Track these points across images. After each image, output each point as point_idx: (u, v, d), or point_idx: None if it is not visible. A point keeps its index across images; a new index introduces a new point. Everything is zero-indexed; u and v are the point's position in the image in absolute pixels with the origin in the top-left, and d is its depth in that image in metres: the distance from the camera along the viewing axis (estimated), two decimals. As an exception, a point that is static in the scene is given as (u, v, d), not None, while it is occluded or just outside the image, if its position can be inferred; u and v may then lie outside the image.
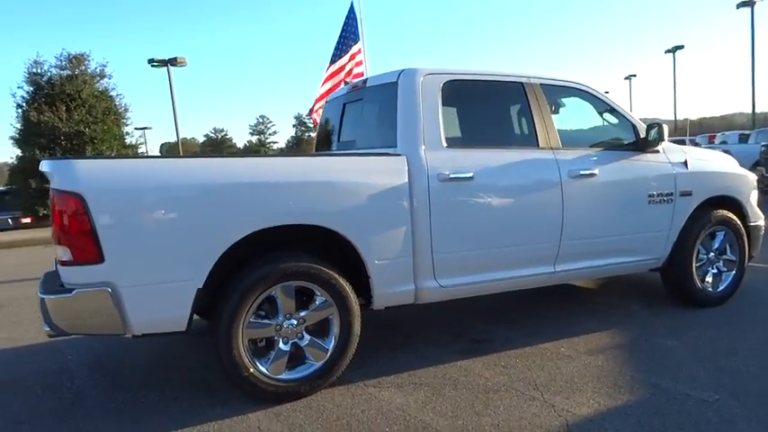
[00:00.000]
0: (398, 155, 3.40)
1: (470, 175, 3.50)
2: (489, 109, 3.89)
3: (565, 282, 4.23)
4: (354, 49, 18.88)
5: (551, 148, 3.86)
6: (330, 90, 16.94)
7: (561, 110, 4.38)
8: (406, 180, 3.32)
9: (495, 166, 3.62)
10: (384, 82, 3.76)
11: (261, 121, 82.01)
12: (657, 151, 4.28)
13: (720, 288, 4.63)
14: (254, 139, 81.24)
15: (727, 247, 4.67)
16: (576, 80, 4.19)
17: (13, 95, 16.71)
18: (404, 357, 3.74)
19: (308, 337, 3.18)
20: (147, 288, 2.77)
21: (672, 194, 4.26)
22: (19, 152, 16.72)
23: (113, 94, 18.03)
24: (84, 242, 2.63)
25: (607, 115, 4.34)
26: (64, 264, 2.68)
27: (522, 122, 3.95)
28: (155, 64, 25.58)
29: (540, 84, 3.98)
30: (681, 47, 36.07)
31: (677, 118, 37.31)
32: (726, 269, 4.67)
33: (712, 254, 4.61)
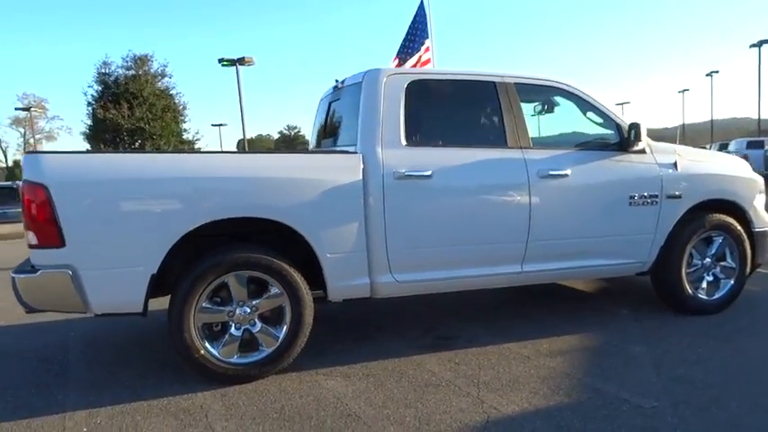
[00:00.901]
0: (354, 153, 3.52)
1: (429, 173, 3.57)
2: (455, 109, 3.93)
3: (536, 282, 4.19)
4: (423, 46, 19.08)
5: (521, 148, 3.84)
6: None
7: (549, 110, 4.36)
8: (360, 177, 3.44)
9: (455, 165, 3.66)
10: (354, 82, 3.89)
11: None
12: (644, 152, 4.15)
13: (717, 296, 4.42)
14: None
15: (727, 254, 4.45)
16: (557, 79, 4.14)
17: (85, 94, 18.19)
18: (365, 349, 3.86)
19: (259, 324, 3.37)
20: (105, 272, 3.05)
21: (657, 197, 4.12)
22: (88, 147, 18.13)
23: (173, 92, 19.09)
24: (47, 228, 2.94)
25: (592, 115, 4.25)
26: (31, 247, 3.00)
27: (491, 122, 3.96)
28: (224, 63, 26.86)
29: (515, 83, 3.96)
30: (767, 41, 33.54)
31: (761, 117, 34.64)
32: (724, 276, 4.46)
33: (708, 260, 4.41)
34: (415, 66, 18.74)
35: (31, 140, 41.05)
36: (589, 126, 4.22)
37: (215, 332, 3.34)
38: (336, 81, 4.28)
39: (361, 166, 3.46)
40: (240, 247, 3.33)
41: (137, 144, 16.71)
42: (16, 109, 33.72)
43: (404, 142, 3.60)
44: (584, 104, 4.21)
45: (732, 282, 4.45)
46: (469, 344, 3.91)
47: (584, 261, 4.07)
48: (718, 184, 4.34)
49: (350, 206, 3.42)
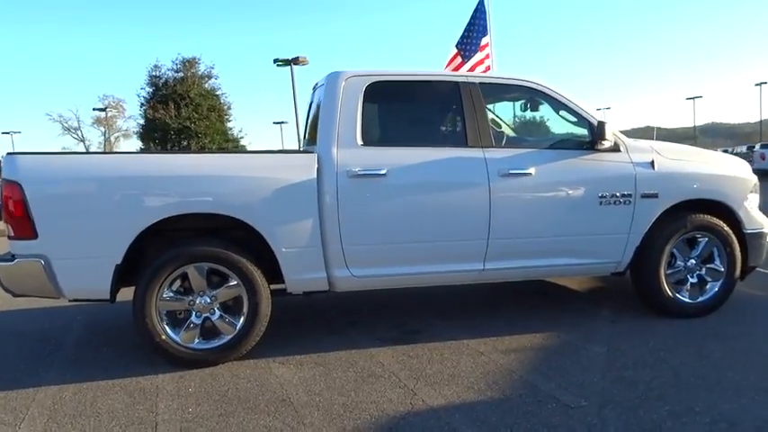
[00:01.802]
0: (310, 153, 3.67)
1: (383, 172, 3.67)
2: (416, 109, 4.01)
3: (502, 280, 4.20)
4: (483, 42, 19.08)
5: (482, 147, 3.87)
6: None
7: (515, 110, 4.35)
8: (314, 176, 3.59)
9: (411, 164, 3.74)
10: (320, 84, 4.04)
11: None
12: (618, 150, 4.07)
13: (701, 299, 4.27)
14: None
15: (714, 256, 4.29)
16: (526, 78, 4.12)
17: (138, 96, 19.35)
18: (330, 341, 4.01)
19: (218, 313, 3.59)
20: (74, 261, 3.36)
21: (630, 196, 4.03)
22: (141, 145, 19.24)
23: (218, 93, 19.93)
24: (21, 221, 3.27)
25: (564, 114, 4.20)
26: (9, 238, 3.35)
27: (452, 121, 4.01)
28: (279, 63, 27.71)
29: (480, 83, 3.99)
30: None
31: None
32: (710, 279, 4.30)
33: (692, 261, 4.26)
34: (474, 66, 18.84)
35: (111, 139, 43.76)
36: (569, 125, 4.18)
37: (179, 319, 3.59)
38: (315, 83, 4.44)
39: (316, 166, 3.60)
40: (200, 241, 3.56)
41: (184, 143, 17.66)
42: (94, 109, 36.11)
43: (360, 142, 3.71)
44: (556, 103, 4.17)
45: (719, 285, 4.28)
46: (432, 339, 3.98)
47: (551, 260, 4.04)
48: (701, 184, 4.18)
49: (303, 203, 3.58)
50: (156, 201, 3.38)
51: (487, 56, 20.36)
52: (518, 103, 4.66)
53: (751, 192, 4.32)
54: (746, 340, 3.74)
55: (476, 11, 17.51)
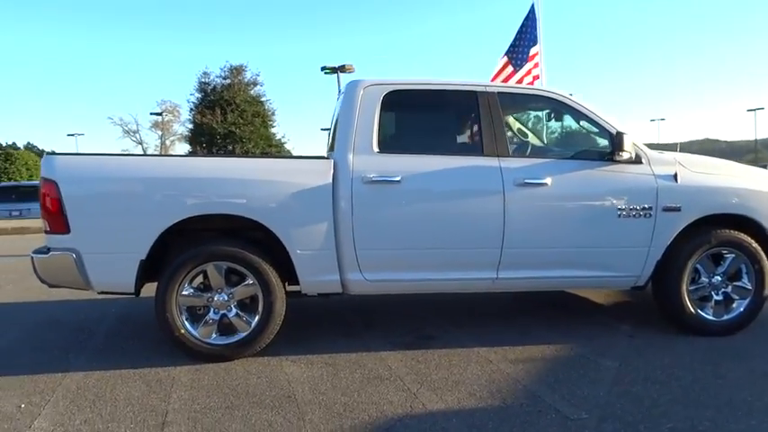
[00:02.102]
0: (327, 159, 3.79)
1: (398, 178, 3.75)
2: (433, 117, 4.07)
3: (516, 290, 4.19)
4: (532, 51, 19.07)
5: (497, 156, 3.89)
6: None
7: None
8: (330, 181, 3.70)
9: (426, 171, 3.80)
10: (342, 91, 4.16)
11: None
12: (639, 162, 4.01)
13: (726, 317, 4.14)
14: None
15: (743, 273, 4.15)
16: (546, 88, 4.15)
17: (188, 101, 20.15)
18: (345, 343, 4.10)
19: (235, 310, 3.74)
20: (102, 256, 3.58)
21: (651, 209, 3.96)
22: (190, 149, 20.00)
23: (263, 99, 20.48)
24: (56, 217, 3.52)
25: (585, 124, 4.18)
26: (46, 232, 3.60)
27: (469, 130, 4.04)
28: (326, 71, 28.31)
29: (499, 92, 4.01)
30: None
31: None
32: (738, 297, 4.16)
33: (718, 277, 4.14)
34: (523, 77, 18.78)
35: (167, 142, 45.65)
36: (572, 137, 4.16)
37: (198, 315, 3.76)
38: (339, 91, 4.57)
39: (332, 171, 3.72)
40: (219, 241, 3.73)
41: (229, 147, 18.23)
42: (151, 113, 37.69)
43: (376, 149, 3.80)
44: (576, 114, 4.15)
45: (746, 303, 4.14)
46: (444, 345, 4.02)
47: (567, 271, 4.01)
48: (727, 198, 4.06)
49: (319, 207, 3.69)
50: (178, 202, 3.57)
51: (536, 65, 20.19)
52: (544, 114, 4.65)
53: (783, 208, 4.16)
54: (766, 361, 3.61)
55: (526, 19, 17.43)
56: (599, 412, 2.92)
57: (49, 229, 3.57)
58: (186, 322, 3.68)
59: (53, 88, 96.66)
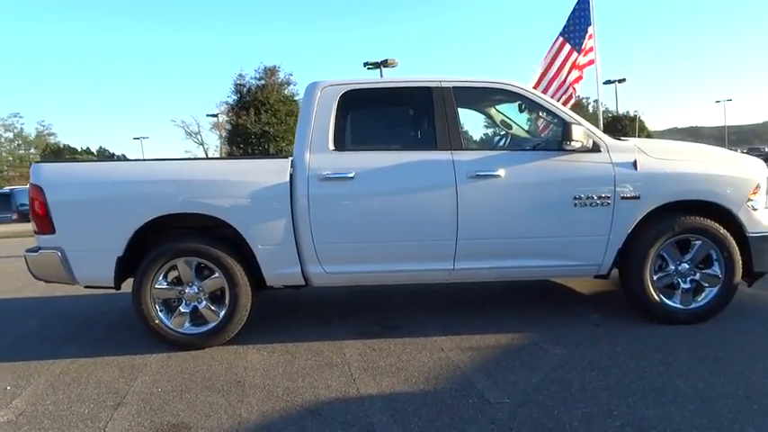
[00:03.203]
0: (285, 158, 4.01)
1: (351, 174, 3.91)
2: (388, 115, 4.21)
3: (475, 280, 4.26)
4: (587, 34, 18.77)
5: (450, 150, 3.99)
6: (551, 82, 18.07)
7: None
8: (287, 180, 3.91)
9: (378, 167, 3.95)
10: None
11: None
12: (598, 150, 4.01)
13: (694, 305, 4.08)
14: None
15: (713, 260, 4.08)
16: (501, 80, 4.17)
17: (226, 103, 20.96)
18: (313, 332, 4.31)
19: (204, 302, 4.03)
20: (84, 253, 3.94)
21: (609, 197, 3.95)
22: (228, 150, 20.78)
23: (296, 98, 20.94)
24: (43, 219, 3.90)
25: (543, 115, 4.20)
26: (35, 233, 4.00)
27: (423, 126, 4.14)
28: (369, 66, 28.65)
29: (453, 87, 4.10)
30: None
31: None
32: (707, 284, 4.08)
33: (686, 265, 4.08)
34: (567, 60, 18.52)
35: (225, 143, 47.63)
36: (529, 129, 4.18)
37: (173, 306, 4.08)
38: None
39: (289, 170, 3.93)
40: (188, 238, 4.02)
41: (264, 146, 18.84)
42: (207, 115, 39.29)
43: (332, 147, 3.98)
44: (533, 105, 4.19)
45: (715, 291, 4.06)
46: (407, 334, 4.17)
47: (526, 261, 4.06)
48: (691, 184, 3.99)
49: (277, 204, 3.91)
50: (147, 203, 3.88)
51: (591, 48, 19.73)
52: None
53: (754, 191, 4.04)
54: (724, 349, 3.56)
55: (578, 3, 17.16)
56: (522, 397, 3.01)
57: (37, 229, 3.97)
58: (161, 313, 4.00)
59: (123, 93, 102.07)
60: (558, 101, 15.44)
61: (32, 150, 76.92)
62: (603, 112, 36.16)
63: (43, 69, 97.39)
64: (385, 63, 28.48)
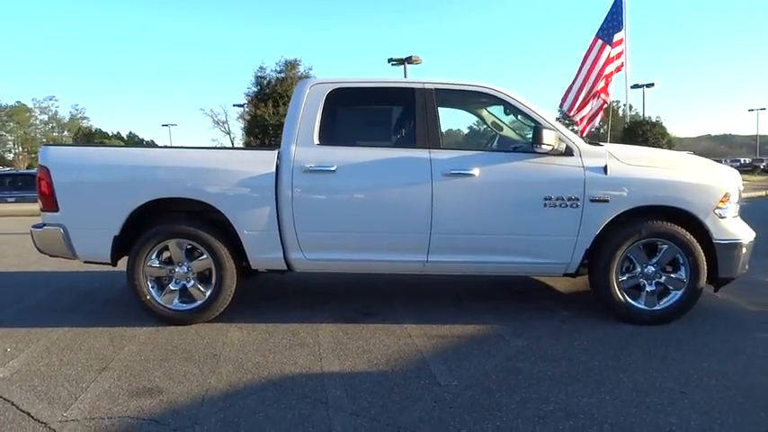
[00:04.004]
0: (273, 150, 4.27)
1: (333, 168, 4.16)
2: (371, 113, 4.44)
3: (448, 273, 4.48)
4: (616, 38, 18.92)
5: (429, 148, 4.20)
6: (584, 82, 18.38)
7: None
8: (273, 170, 4.17)
9: (359, 162, 4.18)
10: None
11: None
12: (571, 154, 4.18)
13: (658, 307, 4.23)
14: None
15: (679, 264, 4.22)
16: (483, 84, 4.36)
17: (246, 94, 21.41)
18: (295, 314, 4.57)
19: (193, 281, 4.32)
20: (84, 230, 4.27)
21: (578, 199, 4.12)
22: (247, 140, 21.24)
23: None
24: (48, 197, 4.24)
25: (522, 118, 4.38)
26: (41, 210, 4.34)
27: (404, 124, 4.36)
28: (393, 63, 28.89)
29: (435, 89, 4.31)
30: None
31: None
32: (672, 287, 4.23)
33: (651, 268, 4.23)
34: (606, 63, 18.69)
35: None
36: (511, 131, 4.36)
37: (165, 284, 4.38)
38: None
39: (275, 161, 4.19)
40: (179, 221, 4.31)
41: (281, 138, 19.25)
42: (234, 105, 39.70)
43: (316, 141, 4.23)
44: (513, 108, 4.38)
45: (679, 294, 4.21)
46: (382, 320, 4.40)
47: (496, 257, 4.26)
48: (658, 190, 4.12)
49: (263, 193, 4.18)
50: (141, 187, 4.18)
51: (621, 53, 19.69)
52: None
53: (722, 200, 4.16)
54: (678, 349, 3.71)
55: (614, 6, 17.34)
56: (470, 381, 3.23)
57: (43, 207, 4.30)
58: (152, 290, 4.31)
59: (154, 80, 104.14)
60: (594, 93, 15.94)
61: (65, 133, 79.24)
62: (633, 116, 35.62)
63: (79, 53, 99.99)
64: (409, 60, 28.67)
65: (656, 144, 20.14)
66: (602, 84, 18.76)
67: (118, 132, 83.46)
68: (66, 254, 4.37)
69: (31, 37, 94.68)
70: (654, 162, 4.28)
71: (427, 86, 4.31)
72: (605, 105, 18.17)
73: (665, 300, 4.24)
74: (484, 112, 5.13)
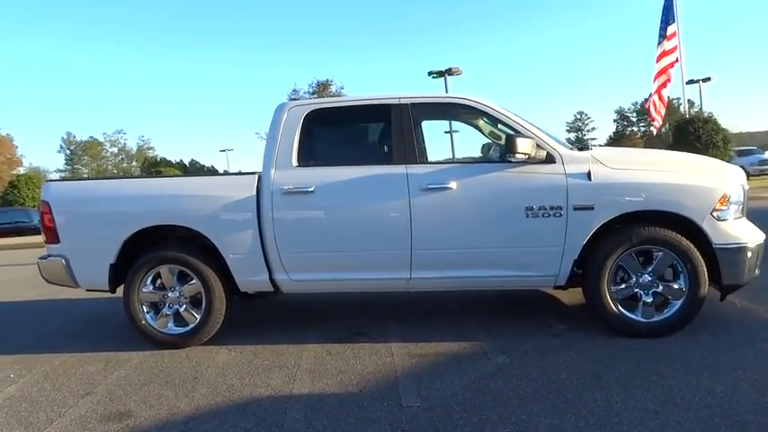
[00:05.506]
0: (253, 174, 4.36)
1: (311, 189, 4.19)
2: (348, 131, 4.45)
3: (433, 289, 4.39)
4: (670, 30, 18.52)
5: (405, 164, 4.16)
6: (660, 73, 18.33)
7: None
8: (254, 194, 4.25)
9: (336, 181, 4.20)
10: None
11: (578, 117, 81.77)
12: (552, 162, 4.04)
13: (655, 318, 3.98)
14: (572, 136, 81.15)
15: (678, 272, 3.97)
16: (461, 96, 4.30)
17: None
18: (287, 335, 4.60)
19: (184, 305, 4.45)
20: (83, 261, 4.48)
21: (561, 208, 3.97)
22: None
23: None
24: (50, 230, 4.49)
25: (503, 128, 4.27)
26: (45, 242, 4.59)
27: (381, 141, 4.34)
28: (434, 75, 28.99)
29: (411, 103, 4.28)
30: None
31: None
32: (671, 297, 3.98)
33: (647, 277, 4.00)
34: (660, 57, 18.33)
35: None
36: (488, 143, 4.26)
37: (159, 308, 4.53)
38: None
39: (255, 185, 4.27)
40: (169, 247, 4.45)
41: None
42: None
43: (295, 163, 4.28)
44: (492, 118, 4.29)
45: (679, 304, 3.95)
46: (369, 340, 4.37)
47: (482, 271, 4.15)
48: (648, 194, 3.90)
49: (245, 217, 4.26)
50: (131, 216, 4.35)
51: (675, 48, 19.04)
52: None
53: (721, 201, 3.89)
54: (669, 363, 3.48)
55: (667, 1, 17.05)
56: (434, 402, 3.14)
57: (46, 239, 4.56)
58: (147, 315, 4.46)
59: (212, 106, 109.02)
60: (658, 87, 16.16)
61: (134, 163, 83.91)
62: (696, 112, 33.93)
63: (144, 90, 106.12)
64: (449, 71, 28.63)
65: (709, 142, 19.12)
66: (662, 79, 18.11)
67: (180, 160, 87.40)
68: (68, 283, 4.60)
69: (102, 79, 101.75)
70: (644, 165, 4.07)
71: (403, 101, 4.29)
72: (648, 104, 17.71)
73: (664, 311, 4.00)
74: (480, 123, 5.04)
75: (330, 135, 4.56)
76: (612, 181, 3.95)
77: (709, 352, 3.66)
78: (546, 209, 3.98)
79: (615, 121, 75.91)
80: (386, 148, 4.29)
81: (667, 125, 31.35)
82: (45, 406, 3.46)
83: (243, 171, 4.66)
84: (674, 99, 44.33)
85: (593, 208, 3.94)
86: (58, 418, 3.26)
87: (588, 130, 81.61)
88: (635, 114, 73.82)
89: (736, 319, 4.31)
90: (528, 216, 4.01)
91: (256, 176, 4.32)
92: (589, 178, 3.96)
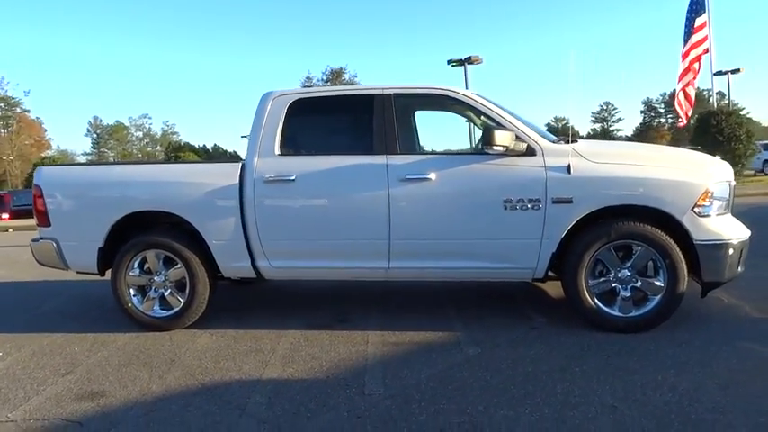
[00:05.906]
0: (236, 162, 4.41)
1: (293, 177, 4.23)
2: (331, 121, 4.46)
3: (412, 278, 4.40)
4: (699, 21, 18.21)
5: (385, 154, 4.17)
6: (686, 71, 18.17)
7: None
8: (237, 182, 4.31)
9: (317, 170, 4.23)
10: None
11: (604, 108, 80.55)
12: (533, 154, 4.01)
13: (634, 313, 3.95)
14: (597, 126, 79.93)
15: (657, 267, 3.93)
16: (444, 87, 4.28)
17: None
18: (269, 321, 4.67)
19: (169, 289, 4.54)
20: (72, 243, 4.60)
21: (539, 201, 3.94)
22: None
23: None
24: (42, 214, 4.61)
25: (485, 120, 4.25)
26: (37, 225, 4.72)
27: (362, 131, 4.34)
28: (453, 64, 28.74)
29: (394, 94, 4.28)
30: None
31: None
32: (650, 292, 3.95)
33: (626, 272, 3.96)
34: (689, 50, 18.06)
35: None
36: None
37: (146, 292, 4.63)
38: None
39: (238, 173, 4.32)
40: (155, 232, 4.54)
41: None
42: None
43: (278, 152, 4.32)
44: (475, 111, 4.27)
45: (657, 300, 3.92)
46: (349, 327, 4.41)
47: (460, 262, 4.15)
48: (628, 189, 3.86)
49: (228, 204, 4.32)
50: (118, 202, 4.45)
51: (705, 38, 18.63)
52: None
53: (703, 197, 3.82)
54: (639, 359, 3.46)
55: None
56: (396, 390, 3.18)
57: (38, 222, 4.69)
58: (134, 298, 4.57)
59: (234, 92, 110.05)
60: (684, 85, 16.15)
61: (158, 147, 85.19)
62: (726, 103, 33.13)
63: (169, 76, 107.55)
64: (469, 60, 28.33)
65: (732, 135, 18.68)
66: (688, 77, 17.68)
67: (204, 145, 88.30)
68: (59, 265, 4.73)
69: (131, 67, 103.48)
70: (625, 159, 4.01)
71: (386, 92, 4.29)
72: (674, 101, 17.71)
73: (642, 306, 3.96)
74: (469, 114, 5.01)
75: (314, 124, 4.58)
76: (592, 175, 3.91)
77: (683, 349, 3.63)
78: (524, 201, 3.96)
79: (642, 112, 74.58)
80: (367, 139, 4.30)
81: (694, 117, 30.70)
82: (25, 383, 3.58)
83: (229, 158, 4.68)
84: (703, 90, 43.28)
85: (571, 201, 3.91)
86: (35, 395, 3.38)
87: (614, 121, 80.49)
88: (663, 106, 72.56)
89: (718, 317, 4.26)
90: (506, 208, 3.99)
91: (240, 165, 4.37)
92: (569, 171, 3.92)
